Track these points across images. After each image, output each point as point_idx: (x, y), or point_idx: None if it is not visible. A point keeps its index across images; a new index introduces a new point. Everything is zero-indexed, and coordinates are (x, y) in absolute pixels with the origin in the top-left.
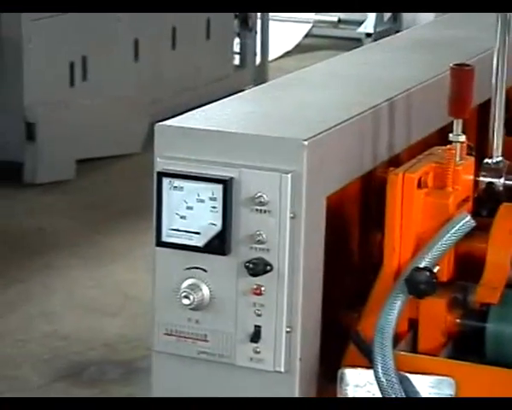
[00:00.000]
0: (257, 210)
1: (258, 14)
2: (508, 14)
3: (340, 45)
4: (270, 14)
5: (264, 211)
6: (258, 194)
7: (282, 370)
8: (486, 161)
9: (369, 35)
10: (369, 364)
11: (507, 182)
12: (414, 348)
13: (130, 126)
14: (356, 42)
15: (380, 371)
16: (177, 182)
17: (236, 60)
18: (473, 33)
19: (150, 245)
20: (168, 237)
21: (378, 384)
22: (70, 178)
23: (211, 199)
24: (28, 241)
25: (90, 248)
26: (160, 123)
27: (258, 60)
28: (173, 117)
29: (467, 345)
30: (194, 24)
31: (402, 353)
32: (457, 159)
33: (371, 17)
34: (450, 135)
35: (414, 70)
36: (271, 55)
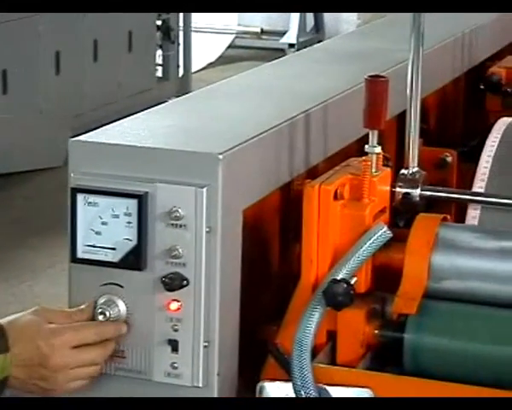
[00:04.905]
0: (172, 225)
1: (181, 25)
2: (421, 26)
3: (264, 56)
4: (193, 25)
5: (180, 225)
6: (174, 208)
7: (200, 385)
8: (402, 171)
9: (291, 45)
10: (289, 377)
11: (423, 192)
12: (333, 360)
13: (52, 140)
14: (279, 52)
15: (298, 383)
16: (91, 198)
17: (159, 72)
18: (391, 45)
19: None
20: (83, 254)
21: (297, 397)
22: None
23: (125, 214)
24: None
25: (10, 263)
26: (74, 138)
27: (181, 72)
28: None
29: (385, 356)
30: (115, 36)
31: (320, 365)
32: (373, 170)
33: (294, 28)
34: (366, 146)
35: (331, 81)
36: (194, 67)
